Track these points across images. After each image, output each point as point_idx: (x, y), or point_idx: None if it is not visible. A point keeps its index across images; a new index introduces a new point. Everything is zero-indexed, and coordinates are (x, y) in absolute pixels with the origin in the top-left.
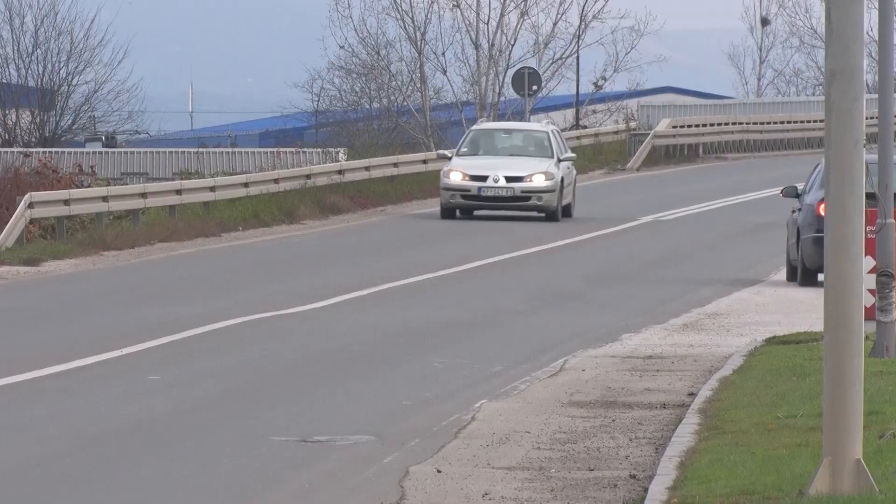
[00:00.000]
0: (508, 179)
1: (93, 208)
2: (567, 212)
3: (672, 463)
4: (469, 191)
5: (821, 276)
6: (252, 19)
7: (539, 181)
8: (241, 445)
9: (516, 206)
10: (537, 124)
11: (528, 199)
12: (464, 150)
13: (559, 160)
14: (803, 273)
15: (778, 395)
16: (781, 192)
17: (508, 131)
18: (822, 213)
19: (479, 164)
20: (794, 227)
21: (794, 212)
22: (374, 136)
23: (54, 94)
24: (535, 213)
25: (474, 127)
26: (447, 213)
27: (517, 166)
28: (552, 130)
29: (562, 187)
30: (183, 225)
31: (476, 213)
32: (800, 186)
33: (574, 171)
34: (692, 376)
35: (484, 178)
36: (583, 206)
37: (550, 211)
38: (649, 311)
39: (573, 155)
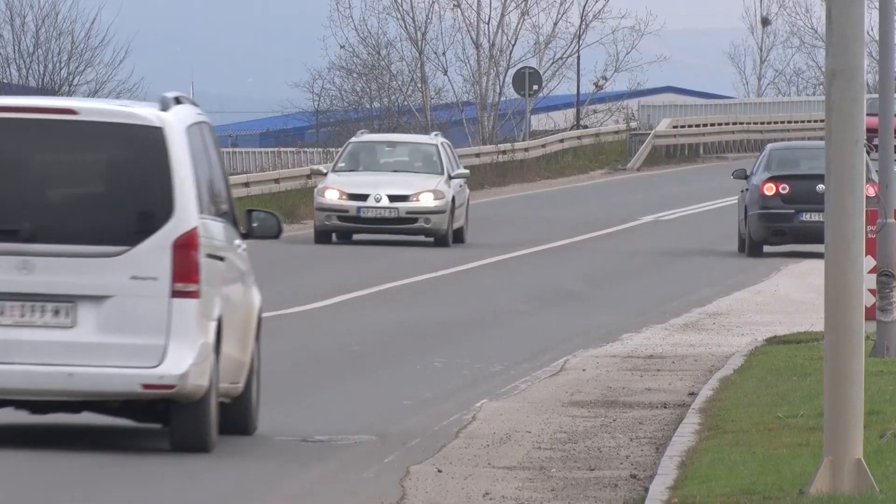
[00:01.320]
0: (392, 199)
1: None
2: (459, 236)
3: (673, 462)
4: (347, 211)
5: (766, 248)
6: (252, 19)
7: (427, 201)
8: (242, 445)
9: (401, 228)
10: (425, 136)
11: (415, 220)
12: (341, 165)
13: (450, 177)
14: (750, 245)
15: (778, 394)
16: (732, 175)
17: (392, 144)
18: (766, 192)
19: (358, 182)
20: (742, 205)
21: (742, 191)
22: None
23: (55, 94)
24: (422, 238)
25: (353, 139)
26: (322, 236)
27: (402, 183)
28: (442, 143)
29: (453, 208)
30: None
31: (355, 237)
32: (748, 170)
33: (467, 191)
34: (693, 376)
35: (364, 198)
36: (582, 206)
37: (440, 235)
38: (649, 311)
39: (466, 171)
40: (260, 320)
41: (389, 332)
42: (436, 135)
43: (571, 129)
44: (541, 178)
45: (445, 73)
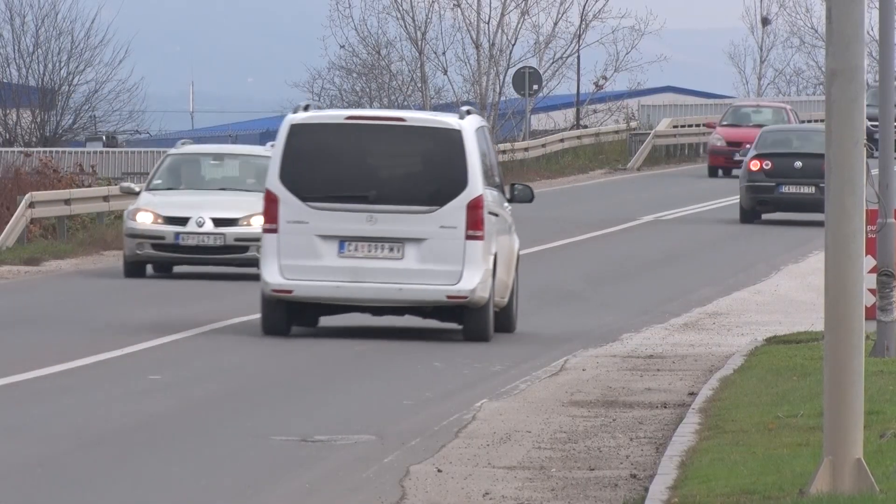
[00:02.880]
0: (217, 222)
1: (94, 208)
2: None
3: (673, 462)
4: (163, 238)
5: (764, 216)
6: (252, 19)
7: (261, 225)
8: (242, 445)
9: (229, 259)
10: (259, 148)
11: (246, 249)
12: (157, 182)
13: None
14: (742, 214)
15: (778, 394)
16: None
17: (219, 157)
18: (751, 168)
19: (176, 202)
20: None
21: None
22: None
23: (55, 94)
24: (255, 271)
25: (172, 150)
26: (133, 269)
27: (230, 204)
28: None
29: None
30: None
31: (176, 269)
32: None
33: None
34: (693, 376)
35: (183, 221)
36: (582, 206)
37: None
38: (650, 311)
39: None
40: (518, 257)
41: (390, 332)
42: (271, 145)
43: (571, 128)
44: (541, 178)
45: (445, 72)
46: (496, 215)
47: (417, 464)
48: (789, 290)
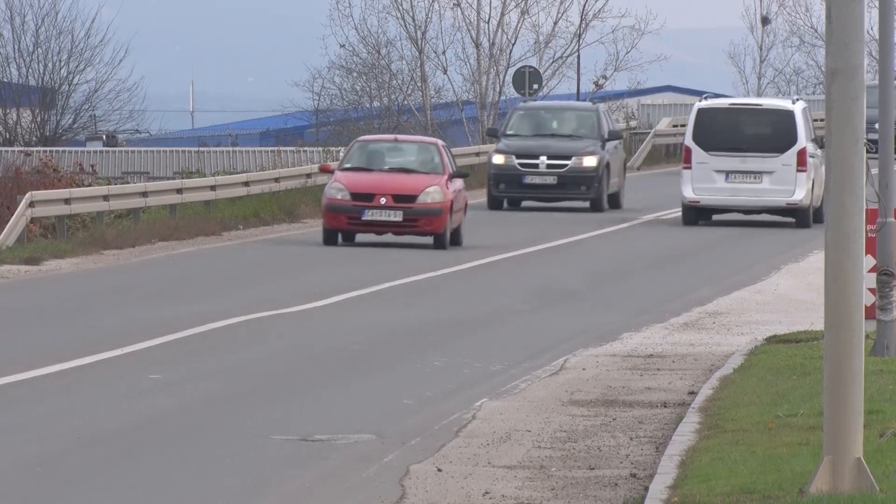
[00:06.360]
0: None
1: (94, 207)
2: None
3: (673, 462)
4: None
5: None
6: (253, 18)
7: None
8: (242, 444)
9: None
10: None
11: None
12: None
13: None
14: None
15: (778, 393)
16: None
17: None
18: None
19: None
20: None
21: None
22: None
23: (55, 94)
24: None
25: None
26: None
27: None
28: None
29: None
30: (184, 224)
31: None
32: None
33: None
34: (693, 375)
35: None
36: (583, 205)
37: None
38: (649, 310)
39: None
40: (822, 182)
41: (389, 332)
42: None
43: None
44: None
45: (445, 72)
46: (813, 157)
47: (417, 463)
48: (789, 290)
